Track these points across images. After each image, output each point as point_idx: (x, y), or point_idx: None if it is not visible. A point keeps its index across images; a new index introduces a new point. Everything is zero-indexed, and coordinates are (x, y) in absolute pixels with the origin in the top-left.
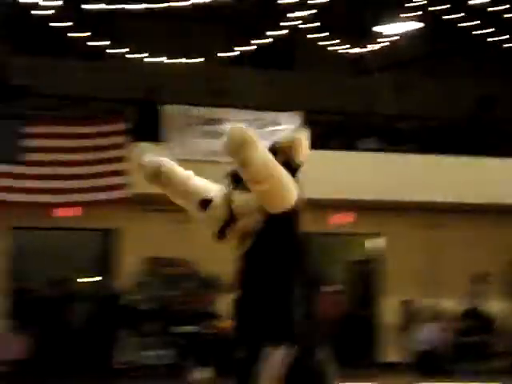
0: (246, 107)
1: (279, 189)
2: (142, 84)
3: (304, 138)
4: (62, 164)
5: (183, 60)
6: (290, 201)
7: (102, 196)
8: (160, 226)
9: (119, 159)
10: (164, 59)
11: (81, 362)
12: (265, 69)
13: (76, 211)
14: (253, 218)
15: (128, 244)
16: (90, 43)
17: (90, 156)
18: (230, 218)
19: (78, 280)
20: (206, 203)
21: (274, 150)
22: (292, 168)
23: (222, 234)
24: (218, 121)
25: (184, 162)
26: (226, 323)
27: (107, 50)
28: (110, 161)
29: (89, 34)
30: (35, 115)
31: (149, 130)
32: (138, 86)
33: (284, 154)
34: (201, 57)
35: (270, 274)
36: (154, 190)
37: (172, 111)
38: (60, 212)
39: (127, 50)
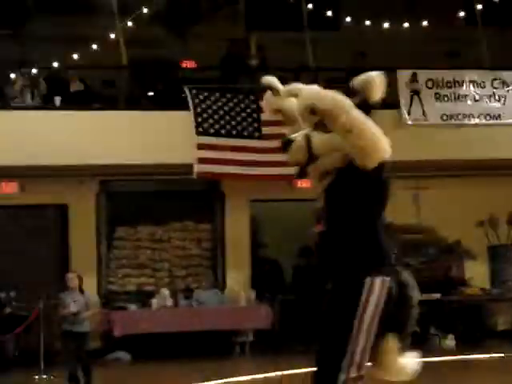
0: (480, 68)
1: (374, 143)
2: (368, 50)
3: (379, 79)
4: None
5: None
6: (384, 152)
7: None
8: (394, 193)
9: None
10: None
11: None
12: (501, 28)
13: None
14: (332, 157)
15: None
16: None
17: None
18: (310, 157)
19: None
20: (287, 144)
21: (351, 90)
22: (368, 108)
23: (302, 172)
24: (454, 83)
25: (417, 126)
26: (471, 290)
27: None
28: None
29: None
30: (266, 88)
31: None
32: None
33: (360, 94)
34: (431, 20)
35: (352, 209)
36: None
37: (405, 76)
38: (298, 183)
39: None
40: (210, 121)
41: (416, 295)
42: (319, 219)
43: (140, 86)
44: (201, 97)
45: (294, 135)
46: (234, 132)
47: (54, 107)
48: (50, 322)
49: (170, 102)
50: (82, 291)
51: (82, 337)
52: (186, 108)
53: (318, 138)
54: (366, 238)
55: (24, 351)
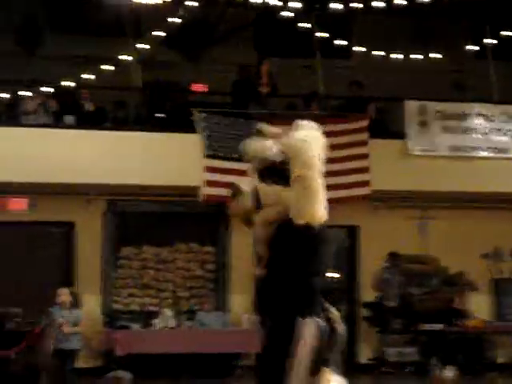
0: (488, 101)
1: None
2: (381, 81)
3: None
4: None
5: (421, 56)
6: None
7: (345, 193)
8: (399, 223)
9: (362, 156)
10: (402, 56)
11: None
12: (510, 62)
13: None
14: (276, 209)
15: (370, 240)
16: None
17: (333, 153)
18: (256, 206)
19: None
20: (236, 191)
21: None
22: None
23: (248, 220)
24: (461, 116)
25: (424, 157)
26: (473, 322)
27: (353, 48)
28: (353, 158)
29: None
30: (276, 114)
31: (384, 127)
32: (379, 83)
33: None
34: (442, 51)
35: (287, 258)
36: (393, 187)
37: (412, 107)
38: None
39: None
40: (219, 144)
41: (343, 332)
42: (259, 263)
43: (151, 107)
44: (210, 120)
45: (242, 184)
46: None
47: (65, 126)
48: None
49: (180, 124)
50: (73, 308)
51: (69, 354)
52: (196, 131)
53: (265, 190)
54: (299, 283)
55: (28, 368)
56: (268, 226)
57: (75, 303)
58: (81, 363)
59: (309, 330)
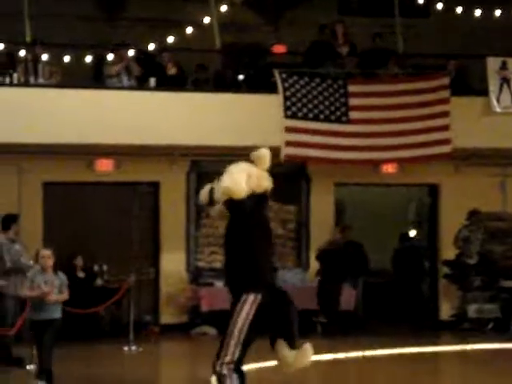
0: None
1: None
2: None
3: (265, 153)
4: (385, 121)
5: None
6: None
7: (424, 152)
8: (480, 180)
9: (443, 114)
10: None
11: (406, 313)
12: None
13: (398, 167)
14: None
15: (451, 198)
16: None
17: (413, 112)
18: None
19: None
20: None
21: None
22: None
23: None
24: None
25: (506, 114)
26: None
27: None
28: (433, 116)
29: None
30: (358, 73)
31: (466, 84)
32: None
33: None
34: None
35: (241, 241)
36: (475, 144)
37: (494, 63)
38: (383, 169)
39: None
40: (299, 104)
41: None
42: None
43: (232, 69)
44: (290, 81)
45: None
46: (322, 116)
47: (148, 88)
48: (140, 296)
49: (259, 85)
50: (56, 272)
51: (49, 325)
52: (275, 91)
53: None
54: (246, 264)
55: (115, 323)
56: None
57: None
58: (167, 319)
59: (248, 305)
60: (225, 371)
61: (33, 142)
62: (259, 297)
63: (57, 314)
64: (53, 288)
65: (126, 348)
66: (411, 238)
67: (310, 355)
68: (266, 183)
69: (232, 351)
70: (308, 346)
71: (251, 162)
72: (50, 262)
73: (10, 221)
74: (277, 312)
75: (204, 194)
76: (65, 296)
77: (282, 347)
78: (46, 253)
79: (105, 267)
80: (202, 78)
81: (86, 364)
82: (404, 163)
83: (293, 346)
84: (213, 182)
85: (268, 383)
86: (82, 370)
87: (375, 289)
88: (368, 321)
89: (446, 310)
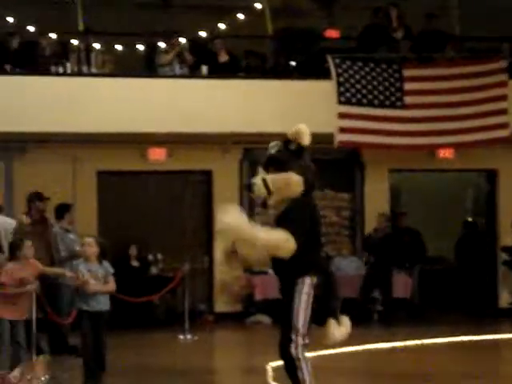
0: None
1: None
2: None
3: (306, 129)
4: (441, 106)
5: None
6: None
7: (481, 136)
8: None
9: (500, 98)
10: None
11: (464, 301)
12: None
13: (454, 153)
14: (280, 193)
15: (508, 184)
16: None
17: (469, 96)
18: (268, 192)
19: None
20: (250, 186)
21: (287, 139)
22: (301, 150)
23: (265, 205)
24: None
25: None
26: None
27: None
28: (491, 100)
29: None
30: (413, 58)
31: None
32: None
33: (294, 141)
34: None
35: (295, 230)
36: None
37: None
38: (439, 154)
39: None
40: (352, 90)
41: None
42: None
43: (284, 55)
44: (344, 66)
45: (253, 179)
46: (376, 102)
47: (200, 76)
48: (194, 285)
49: (313, 71)
50: (100, 261)
51: (97, 317)
52: (329, 77)
53: (270, 178)
54: (303, 252)
55: (170, 312)
56: (278, 206)
57: (104, 255)
58: (221, 308)
59: (306, 287)
60: (300, 355)
61: (86, 131)
62: (315, 279)
63: (104, 306)
64: (96, 279)
65: (181, 336)
66: (475, 225)
67: (349, 326)
68: (294, 188)
69: (303, 333)
70: (346, 318)
71: (290, 140)
72: (93, 251)
73: (64, 210)
74: (325, 290)
75: (259, 187)
76: (109, 287)
77: (332, 324)
78: (88, 240)
79: (159, 256)
80: (254, 64)
81: (140, 352)
82: (461, 148)
83: (339, 320)
84: (259, 173)
85: (328, 371)
86: (137, 359)
87: (433, 276)
88: (426, 309)
89: (505, 298)
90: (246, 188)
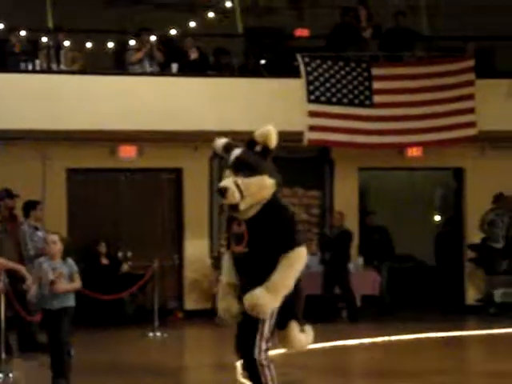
0: None
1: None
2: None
3: (274, 131)
4: (410, 104)
5: None
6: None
7: (449, 135)
8: (506, 164)
9: (468, 97)
10: None
11: (432, 298)
12: None
13: (422, 151)
14: (253, 197)
15: (476, 182)
16: None
17: (437, 95)
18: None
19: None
20: (223, 191)
21: (254, 140)
22: (267, 153)
23: (235, 208)
24: None
25: None
26: None
27: None
28: (458, 99)
29: None
30: (382, 56)
31: (486, 67)
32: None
33: (261, 143)
34: None
35: (268, 236)
36: (500, 127)
37: None
38: (407, 152)
39: None
40: (322, 89)
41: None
42: (239, 241)
43: (254, 53)
44: (313, 65)
45: (224, 183)
46: (346, 100)
47: (170, 74)
48: (164, 282)
49: (282, 69)
50: (64, 258)
51: (59, 314)
52: (298, 76)
53: (244, 182)
54: (274, 257)
55: (139, 309)
56: (249, 210)
57: (68, 252)
58: (191, 305)
59: None
60: (264, 360)
61: (56, 129)
62: None
63: (69, 301)
64: (61, 276)
65: (150, 334)
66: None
67: (312, 336)
68: (267, 191)
69: (266, 337)
70: (310, 328)
71: (254, 141)
72: (56, 248)
73: (29, 207)
74: (290, 293)
75: (233, 192)
76: (76, 285)
77: (296, 331)
78: (52, 238)
79: (129, 254)
80: (224, 62)
81: (110, 350)
82: (429, 147)
83: (302, 326)
84: (227, 176)
85: (291, 367)
86: (107, 356)
87: (402, 274)
88: (395, 306)
89: (471, 295)
90: (219, 193)
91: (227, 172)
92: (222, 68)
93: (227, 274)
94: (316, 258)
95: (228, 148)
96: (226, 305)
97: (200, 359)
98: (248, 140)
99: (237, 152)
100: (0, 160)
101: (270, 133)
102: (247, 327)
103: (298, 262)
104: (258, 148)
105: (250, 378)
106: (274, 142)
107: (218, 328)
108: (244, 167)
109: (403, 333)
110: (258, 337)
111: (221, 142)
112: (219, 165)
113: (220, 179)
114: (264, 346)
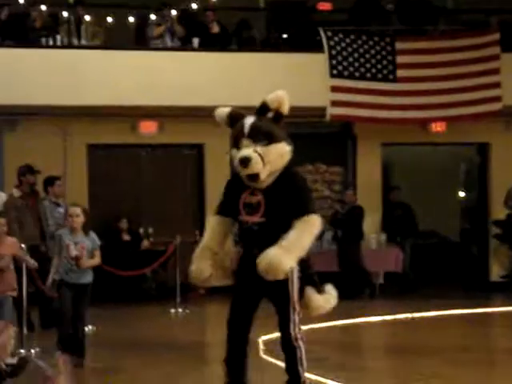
0: None
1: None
2: None
3: (286, 96)
4: (434, 79)
5: None
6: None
7: (474, 109)
8: None
9: (493, 71)
10: None
11: (456, 275)
12: None
13: (446, 126)
14: (273, 166)
15: (501, 157)
16: None
17: (462, 69)
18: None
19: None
20: (246, 160)
21: (266, 106)
22: (280, 119)
23: (255, 178)
24: None
25: None
26: None
27: None
28: (483, 73)
29: None
30: (404, 30)
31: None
32: None
33: (274, 109)
34: None
35: (286, 204)
36: None
37: None
38: (431, 127)
39: None
40: (345, 63)
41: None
42: (253, 211)
43: (276, 28)
44: (336, 39)
45: (246, 152)
46: (369, 75)
47: (191, 48)
48: (186, 258)
49: (304, 44)
50: (86, 232)
51: (80, 290)
52: (321, 50)
53: (265, 151)
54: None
55: (161, 286)
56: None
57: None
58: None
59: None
60: (299, 334)
61: (76, 104)
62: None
63: (88, 278)
64: (83, 251)
65: (172, 310)
66: None
67: (335, 296)
68: (285, 159)
69: (298, 310)
70: (331, 287)
71: (266, 107)
72: (79, 221)
73: (47, 183)
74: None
75: (256, 161)
76: (97, 261)
77: (311, 292)
78: (74, 210)
79: (150, 230)
80: (246, 36)
81: (131, 326)
82: (453, 121)
83: (319, 290)
84: (245, 145)
85: (314, 344)
86: (128, 332)
87: (425, 251)
88: (419, 283)
89: (496, 271)
90: (241, 163)
91: (244, 141)
92: (244, 42)
93: (210, 239)
94: (329, 234)
95: (234, 117)
96: (200, 266)
97: (222, 335)
98: (259, 106)
99: (250, 120)
100: (21, 136)
101: (283, 98)
102: (278, 303)
103: (313, 227)
104: (270, 114)
105: (285, 353)
106: (287, 107)
107: None
108: (261, 135)
109: (426, 310)
110: (290, 310)
111: (224, 110)
112: None
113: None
114: (297, 320)
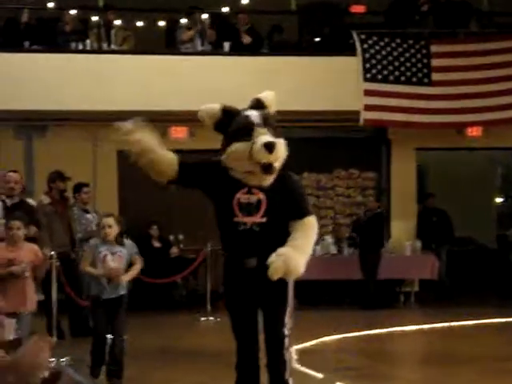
0: None
1: None
2: None
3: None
4: (469, 82)
5: None
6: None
7: (510, 114)
8: None
9: None
10: None
11: (493, 282)
12: None
13: (482, 130)
14: (281, 160)
15: None
16: None
17: (498, 73)
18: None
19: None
20: (272, 146)
21: (261, 103)
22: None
23: (269, 169)
24: None
25: None
26: None
27: None
28: None
29: None
30: (439, 33)
31: None
32: None
33: (266, 107)
34: None
35: (286, 204)
36: None
37: None
38: (467, 132)
39: None
40: (378, 67)
41: None
42: (253, 211)
43: (308, 31)
44: (369, 42)
45: (270, 137)
46: (403, 78)
47: (222, 53)
48: (216, 266)
49: (337, 47)
50: (121, 242)
51: (116, 304)
52: (354, 54)
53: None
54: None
55: (191, 293)
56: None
57: (122, 234)
58: None
59: None
60: (287, 331)
61: (106, 109)
62: None
63: (123, 289)
64: (121, 262)
65: (203, 318)
66: None
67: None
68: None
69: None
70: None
71: (262, 105)
72: (112, 232)
73: (75, 190)
74: None
75: (282, 148)
76: (137, 268)
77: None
78: (106, 221)
79: (180, 237)
80: (278, 40)
81: (162, 335)
82: (489, 126)
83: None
84: (261, 133)
85: (347, 353)
86: (159, 341)
87: (462, 257)
88: (455, 290)
89: None
90: (266, 148)
91: (260, 129)
92: (275, 46)
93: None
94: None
95: (229, 111)
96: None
97: None
98: (255, 102)
99: (253, 112)
100: (51, 142)
101: (273, 98)
102: (274, 306)
103: (315, 229)
104: (265, 112)
105: (272, 353)
106: (274, 108)
107: None
108: (271, 126)
109: (463, 318)
110: (286, 313)
111: (214, 107)
112: None
113: None
114: (289, 323)
